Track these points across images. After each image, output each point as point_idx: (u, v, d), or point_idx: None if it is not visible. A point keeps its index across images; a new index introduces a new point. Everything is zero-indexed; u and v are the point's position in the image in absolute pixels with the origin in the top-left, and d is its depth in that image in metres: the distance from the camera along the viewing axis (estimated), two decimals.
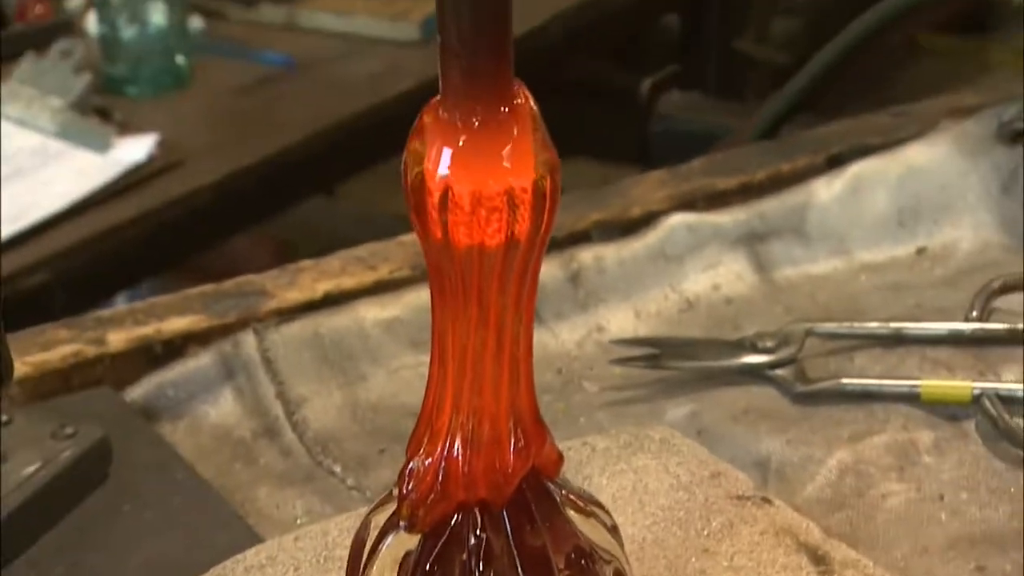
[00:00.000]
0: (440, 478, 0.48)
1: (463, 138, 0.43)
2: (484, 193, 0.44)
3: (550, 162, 0.44)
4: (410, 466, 0.49)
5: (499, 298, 0.46)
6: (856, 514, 0.66)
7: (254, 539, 0.62)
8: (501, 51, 0.43)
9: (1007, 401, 0.70)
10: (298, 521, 0.68)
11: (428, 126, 0.44)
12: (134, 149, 1.38)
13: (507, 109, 0.44)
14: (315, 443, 0.73)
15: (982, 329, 0.75)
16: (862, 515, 0.66)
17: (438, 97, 0.44)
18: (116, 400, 0.71)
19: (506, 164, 0.44)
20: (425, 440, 0.49)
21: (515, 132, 0.44)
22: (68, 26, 1.59)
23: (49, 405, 0.69)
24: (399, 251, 0.83)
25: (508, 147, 0.43)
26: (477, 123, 0.43)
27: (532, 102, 0.44)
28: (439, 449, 0.48)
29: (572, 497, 0.50)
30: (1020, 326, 0.74)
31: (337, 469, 0.72)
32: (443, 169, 0.44)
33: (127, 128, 1.43)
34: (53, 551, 0.62)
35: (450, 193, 0.44)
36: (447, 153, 0.43)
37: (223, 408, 0.74)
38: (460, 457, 0.48)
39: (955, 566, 0.63)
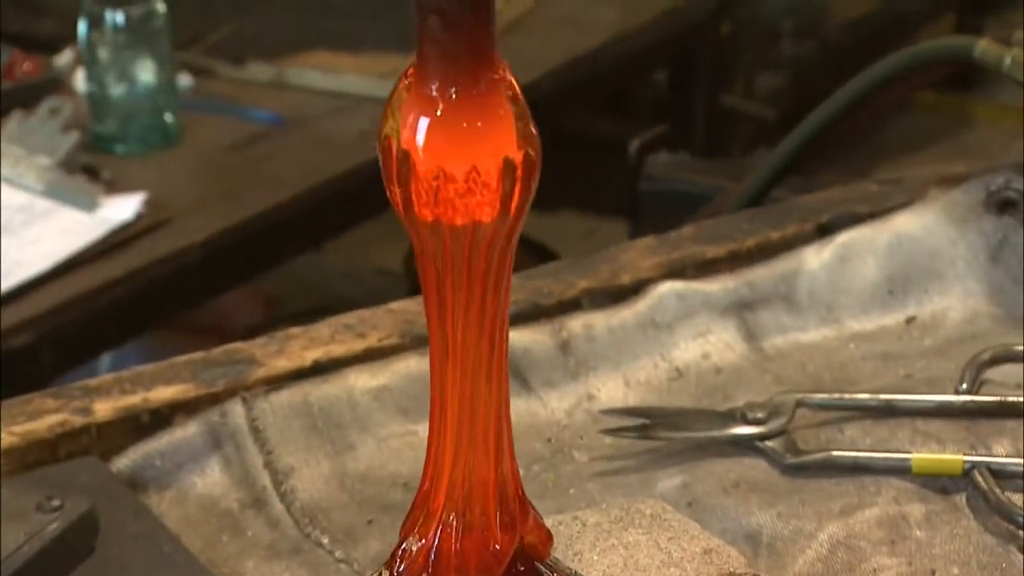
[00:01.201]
0: (432, 559, 0.48)
1: (440, 108, 0.42)
2: (459, 167, 0.42)
3: (530, 136, 0.43)
4: (403, 547, 0.49)
5: (471, 287, 0.44)
6: None
7: None
8: (482, 7, 0.41)
9: (998, 474, 0.70)
10: None
11: (404, 95, 0.42)
12: (122, 208, 1.38)
13: (486, 81, 0.42)
14: (303, 514, 0.73)
15: (973, 401, 0.75)
16: None
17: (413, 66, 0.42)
18: (103, 470, 0.71)
19: (484, 137, 0.42)
20: (420, 522, 0.48)
21: (496, 104, 0.42)
22: (56, 84, 1.59)
23: (35, 476, 0.69)
24: (388, 318, 0.83)
25: (486, 119, 0.42)
26: (455, 94, 0.42)
27: (512, 78, 0.43)
28: (432, 531, 0.48)
29: None
30: (1011, 398, 0.74)
31: (325, 541, 0.71)
32: (419, 140, 0.42)
33: (115, 186, 1.43)
34: None
35: (420, 165, 0.42)
36: (423, 123, 0.42)
37: (210, 478, 0.74)
38: (452, 538, 0.47)
39: None
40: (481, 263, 0.44)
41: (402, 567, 0.48)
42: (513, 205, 0.43)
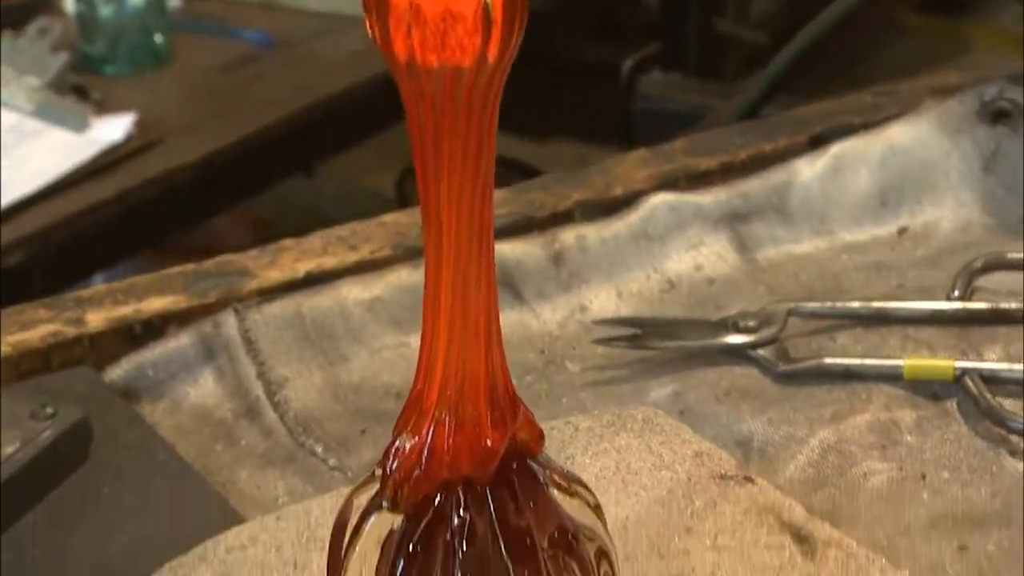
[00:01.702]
0: (424, 457, 0.48)
1: None
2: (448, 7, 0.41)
3: None
4: (395, 445, 0.49)
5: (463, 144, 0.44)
6: (838, 493, 0.66)
7: (236, 520, 0.62)
8: None
9: (989, 380, 0.70)
10: (279, 502, 0.68)
11: None
12: (112, 128, 1.37)
13: None
14: (296, 424, 0.73)
15: (964, 308, 0.75)
16: (844, 494, 0.66)
17: None
18: (96, 380, 0.71)
19: None
20: (412, 420, 0.48)
21: None
22: (45, 4, 1.58)
23: (29, 385, 0.69)
24: (380, 231, 0.83)
25: None
26: None
27: None
28: (425, 428, 0.48)
29: (555, 476, 0.50)
30: (1003, 305, 0.74)
31: (319, 450, 0.71)
32: None
33: (104, 107, 1.42)
34: (33, 532, 0.62)
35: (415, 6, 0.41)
36: None
37: (203, 388, 0.74)
38: (445, 435, 0.48)
39: (937, 545, 0.63)
40: (463, 115, 0.44)
41: (395, 464, 0.48)
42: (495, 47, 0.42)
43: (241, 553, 0.58)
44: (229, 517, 0.63)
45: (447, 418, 0.48)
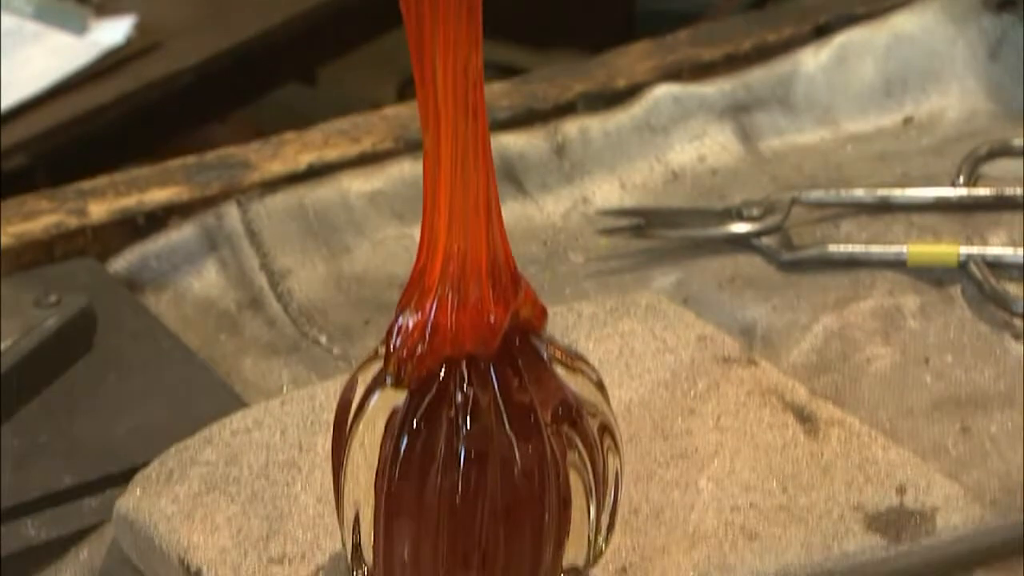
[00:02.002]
0: (428, 333, 0.48)
1: None
2: None
3: None
4: (398, 322, 0.49)
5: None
6: (841, 378, 0.66)
7: (241, 406, 0.62)
8: None
9: (993, 265, 0.70)
10: (284, 390, 0.68)
11: None
12: (112, 31, 1.36)
13: None
14: (300, 314, 0.73)
15: (969, 195, 0.74)
16: (847, 378, 0.66)
17: None
18: (99, 271, 0.71)
19: None
20: (415, 297, 0.48)
21: None
22: None
23: (32, 274, 0.69)
24: (382, 124, 0.82)
25: None
26: None
27: None
28: (428, 305, 0.48)
29: (558, 353, 0.50)
30: (1007, 191, 0.74)
31: (323, 339, 0.71)
32: None
33: (104, 9, 1.40)
34: (39, 418, 0.62)
35: None
36: None
37: (207, 280, 0.74)
38: (448, 311, 0.48)
39: (940, 427, 0.63)
40: None
41: (398, 341, 0.48)
42: None
43: (246, 436, 0.58)
44: (234, 404, 0.63)
45: (450, 294, 0.48)
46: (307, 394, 0.61)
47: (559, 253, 0.77)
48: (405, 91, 1.90)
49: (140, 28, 1.37)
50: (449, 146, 0.47)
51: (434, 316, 0.48)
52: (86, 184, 0.75)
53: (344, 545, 0.50)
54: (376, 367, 0.49)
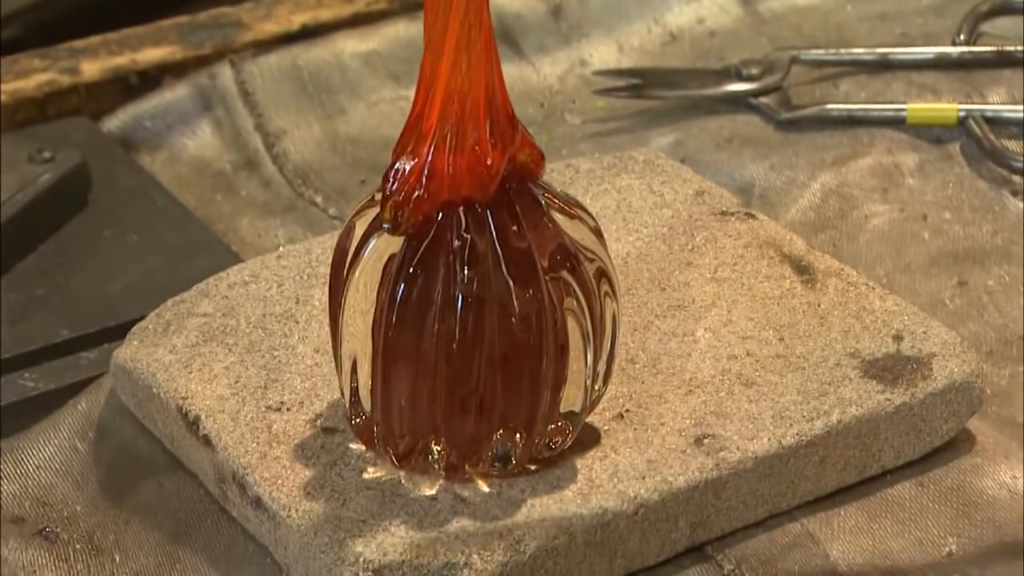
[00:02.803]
0: (425, 177, 0.47)
1: None
2: None
3: None
4: (395, 167, 0.48)
5: None
6: (839, 234, 0.66)
7: (237, 262, 0.62)
8: None
9: (992, 122, 0.69)
10: (280, 248, 0.68)
11: None
12: None
13: None
14: (296, 175, 0.72)
15: (969, 52, 0.74)
16: (845, 235, 0.66)
17: None
18: (93, 129, 0.70)
19: None
20: (412, 142, 0.48)
21: None
22: None
23: (26, 132, 0.69)
24: None
25: None
26: None
27: None
28: (425, 149, 0.47)
29: (555, 199, 0.50)
30: (1007, 48, 0.73)
31: (319, 199, 0.71)
32: None
33: None
34: (35, 273, 0.62)
35: None
36: None
37: (202, 140, 0.74)
38: (445, 156, 0.47)
39: (937, 281, 0.64)
40: None
41: (394, 185, 0.48)
42: None
43: (243, 289, 0.58)
44: (230, 260, 0.63)
45: (448, 137, 0.47)
46: (304, 248, 0.60)
47: (556, 115, 0.77)
48: None
49: None
50: None
51: (431, 160, 0.47)
52: (78, 43, 0.74)
53: (342, 392, 0.51)
54: (372, 213, 0.49)
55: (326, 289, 0.52)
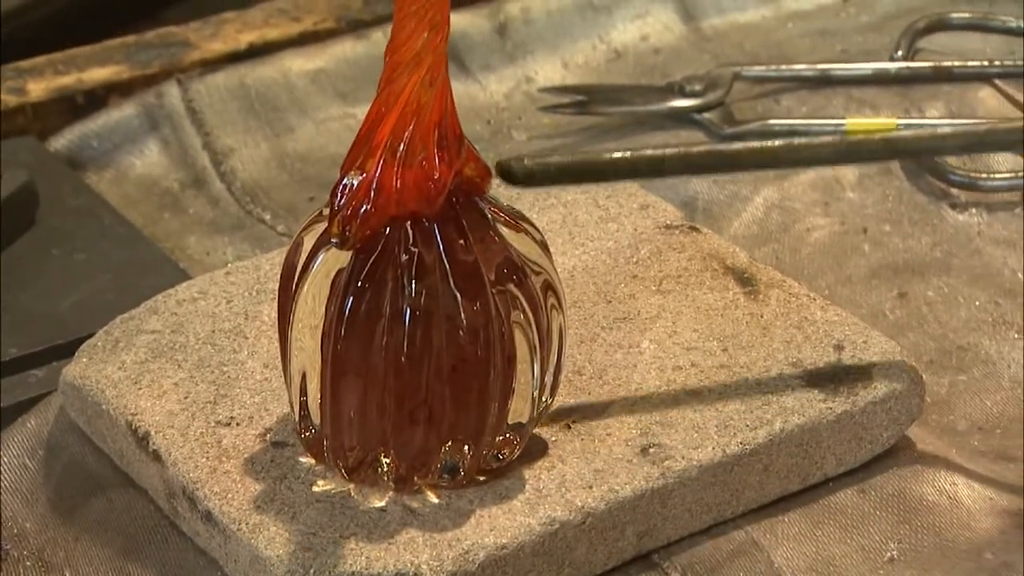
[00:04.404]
0: (372, 191, 0.48)
1: None
2: None
3: None
4: (343, 182, 0.49)
5: None
6: (782, 247, 0.67)
7: (185, 280, 0.62)
8: None
9: None
10: (229, 266, 0.68)
11: None
12: None
13: None
14: (244, 193, 0.73)
15: (907, 68, 0.75)
16: (788, 248, 0.67)
17: None
18: (40, 149, 0.70)
19: None
20: (360, 158, 0.49)
21: None
22: None
23: None
24: (323, 3, 0.82)
25: None
26: None
27: None
28: (374, 164, 0.48)
29: (502, 213, 0.50)
30: (945, 63, 0.75)
31: (267, 217, 0.71)
32: None
33: None
34: None
35: None
36: None
37: (149, 159, 0.74)
38: (393, 171, 0.48)
39: (878, 293, 0.65)
40: None
41: (342, 200, 0.48)
42: None
43: (192, 305, 0.58)
44: (179, 278, 0.63)
45: (398, 152, 0.48)
46: (252, 264, 0.61)
47: (503, 132, 0.78)
48: None
49: None
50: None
51: (379, 175, 0.48)
52: (24, 63, 0.74)
53: (291, 406, 0.51)
54: (320, 228, 0.50)
55: (275, 305, 0.52)
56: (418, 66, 0.47)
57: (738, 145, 0.53)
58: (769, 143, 0.52)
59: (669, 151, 0.52)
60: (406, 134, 0.48)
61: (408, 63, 0.47)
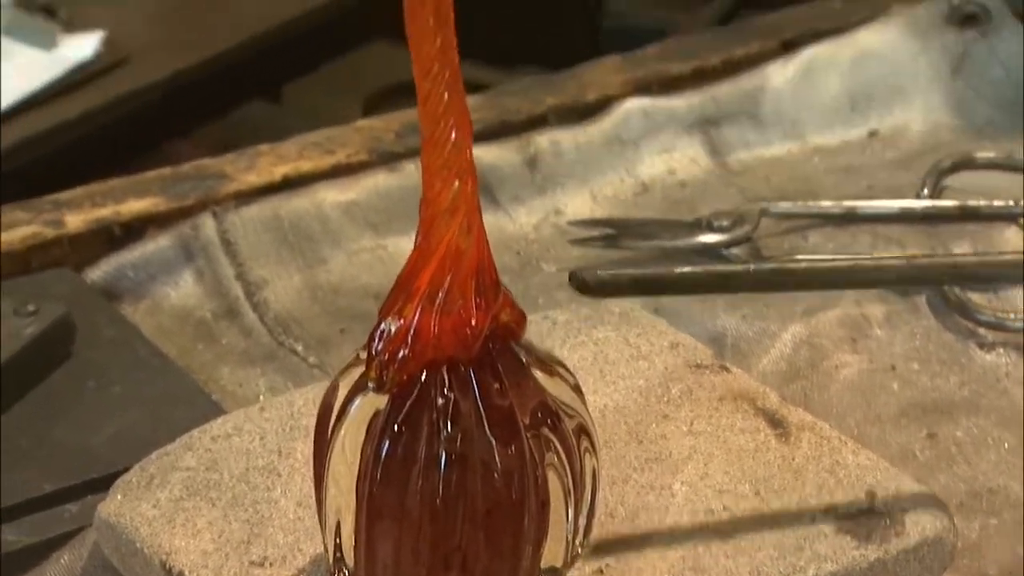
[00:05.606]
0: (411, 338, 0.49)
1: None
2: None
3: None
4: (381, 327, 0.49)
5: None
6: (810, 385, 0.68)
7: (219, 413, 0.63)
8: None
9: None
10: (261, 398, 0.69)
11: None
12: (80, 47, 1.36)
13: None
14: (276, 324, 0.74)
15: (933, 206, 0.76)
16: (816, 385, 0.68)
17: None
18: (77, 280, 0.71)
19: None
20: (400, 302, 0.49)
21: None
22: None
23: (9, 284, 0.69)
24: (356, 136, 0.83)
25: None
26: None
27: None
28: (412, 309, 0.49)
29: (536, 358, 0.51)
30: (970, 203, 0.76)
31: (299, 348, 0.72)
32: None
33: (73, 26, 1.41)
34: (19, 426, 0.62)
35: None
36: None
37: (183, 290, 0.75)
38: (431, 317, 0.48)
39: (907, 433, 0.65)
40: None
41: (380, 345, 0.49)
42: None
43: (226, 442, 0.59)
44: (213, 411, 0.63)
45: (435, 301, 0.48)
46: (286, 400, 0.61)
47: (532, 263, 0.79)
48: (370, 108, 1.91)
49: (108, 43, 1.38)
50: (467, 136, 0.48)
51: (418, 320, 0.49)
52: (63, 195, 0.75)
53: (325, 548, 0.51)
54: (357, 372, 0.50)
55: (308, 442, 0.53)
56: (454, 215, 0.48)
57: (805, 263, 0.53)
58: (835, 262, 0.53)
59: (738, 267, 0.52)
60: (445, 281, 0.48)
61: (444, 213, 0.48)
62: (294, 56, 1.56)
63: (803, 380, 0.68)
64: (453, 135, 0.47)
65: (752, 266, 0.53)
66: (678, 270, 0.53)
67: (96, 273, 0.74)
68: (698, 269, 0.53)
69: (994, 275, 0.55)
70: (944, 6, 0.87)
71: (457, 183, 0.48)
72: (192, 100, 1.44)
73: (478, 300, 0.49)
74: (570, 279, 0.52)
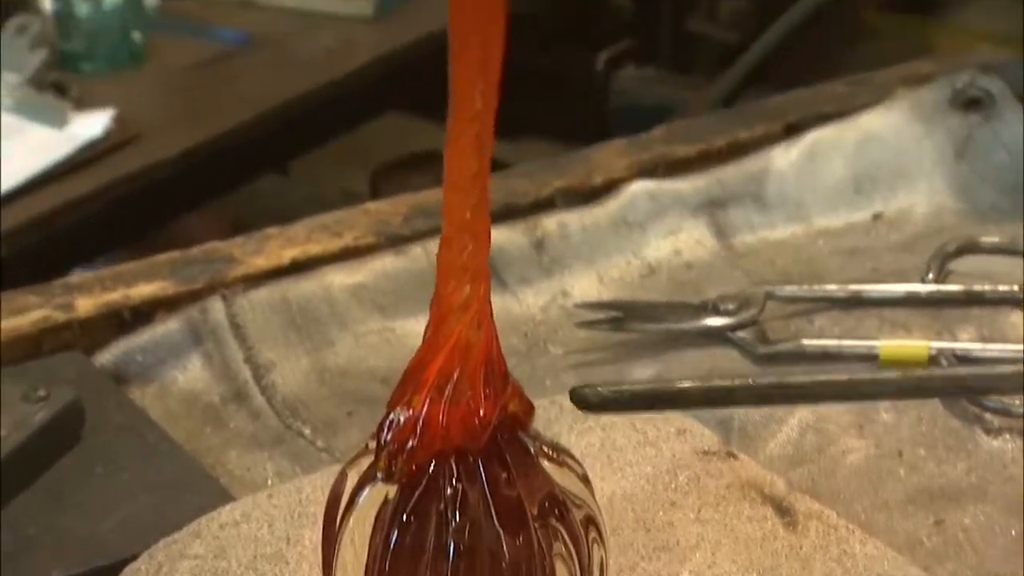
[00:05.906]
0: (419, 428, 0.49)
1: None
2: None
3: None
4: (390, 418, 0.50)
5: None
6: (817, 470, 0.68)
7: (227, 499, 0.63)
8: None
9: (964, 360, 0.71)
10: (269, 482, 0.69)
11: None
12: (90, 125, 1.38)
13: None
14: (284, 406, 0.74)
15: (938, 290, 0.76)
16: (823, 471, 0.68)
17: None
18: (86, 364, 0.72)
19: None
20: (409, 394, 0.50)
21: None
22: (23, 2, 1.58)
23: (20, 369, 0.70)
24: (364, 219, 0.84)
25: None
26: None
27: None
28: (421, 402, 0.49)
29: (544, 448, 0.51)
30: (975, 287, 0.76)
31: (307, 431, 0.72)
32: None
33: (83, 104, 1.42)
34: (27, 513, 0.63)
35: None
36: None
37: (192, 373, 0.75)
38: (440, 408, 0.49)
39: (914, 520, 0.65)
40: None
41: (389, 436, 0.49)
42: None
43: (234, 529, 0.59)
44: (221, 497, 0.63)
45: (444, 393, 0.49)
46: (293, 487, 0.61)
47: (539, 345, 0.79)
48: (378, 181, 1.92)
49: (118, 122, 1.39)
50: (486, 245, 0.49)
51: (426, 411, 0.49)
52: (73, 279, 0.76)
53: None
54: (365, 461, 0.50)
55: (316, 529, 0.53)
56: (466, 311, 0.49)
57: (804, 378, 0.54)
58: (835, 376, 0.53)
59: (738, 382, 0.53)
60: (454, 373, 0.49)
61: (456, 310, 0.48)
62: (300, 133, 1.58)
63: (810, 465, 0.68)
64: (472, 244, 0.48)
65: (752, 380, 0.54)
66: (679, 385, 0.54)
67: (105, 356, 0.74)
68: (699, 384, 0.53)
69: (992, 387, 0.55)
70: (948, 90, 0.87)
71: (469, 286, 0.48)
72: (201, 176, 1.46)
73: (486, 391, 0.49)
74: (572, 396, 0.53)
